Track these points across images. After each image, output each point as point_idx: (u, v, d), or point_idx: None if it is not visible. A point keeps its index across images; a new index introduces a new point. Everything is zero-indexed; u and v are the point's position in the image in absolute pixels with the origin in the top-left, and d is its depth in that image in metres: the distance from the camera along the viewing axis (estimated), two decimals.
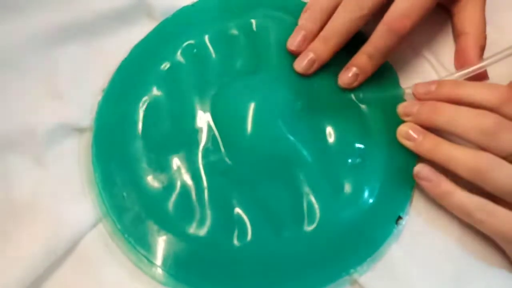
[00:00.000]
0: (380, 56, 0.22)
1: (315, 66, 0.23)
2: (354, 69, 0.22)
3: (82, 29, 0.24)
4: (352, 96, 0.23)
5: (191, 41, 0.24)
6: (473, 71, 0.22)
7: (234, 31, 0.24)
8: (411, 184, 0.21)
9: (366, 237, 0.20)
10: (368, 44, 0.22)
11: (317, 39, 0.22)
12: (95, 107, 0.23)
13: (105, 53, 0.24)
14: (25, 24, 0.24)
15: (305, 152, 0.22)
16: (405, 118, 0.22)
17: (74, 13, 0.24)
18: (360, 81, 0.23)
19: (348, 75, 0.22)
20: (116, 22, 0.25)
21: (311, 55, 0.22)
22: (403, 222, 0.21)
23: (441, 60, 0.24)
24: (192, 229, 0.20)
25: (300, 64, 0.23)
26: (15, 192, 0.21)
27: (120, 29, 0.25)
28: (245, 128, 0.22)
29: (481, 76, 0.23)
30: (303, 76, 0.23)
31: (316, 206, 0.21)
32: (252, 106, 0.22)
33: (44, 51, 0.23)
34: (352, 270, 0.20)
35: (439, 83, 0.21)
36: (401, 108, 0.22)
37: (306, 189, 0.21)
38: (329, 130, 0.22)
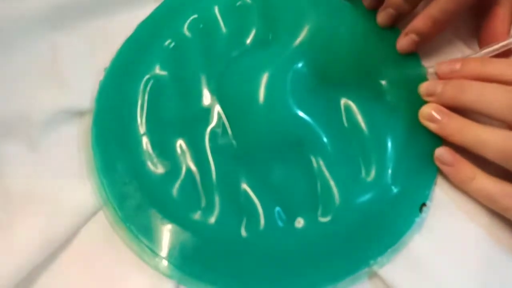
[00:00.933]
0: (445, 21, 0.20)
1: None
2: (413, 36, 0.21)
3: (84, 10, 0.23)
4: (372, 72, 0.21)
5: (197, 15, 0.22)
6: (500, 47, 0.20)
7: (244, 0, 0.23)
8: (435, 168, 0.20)
9: (387, 226, 0.19)
10: (433, 7, 0.20)
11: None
12: (96, 88, 0.22)
13: (109, 34, 0.23)
14: (22, 5, 0.23)
15: (320, 133, 0.20)
16: (428, 98, 0.20)
17: None
18: (420, 47, 0.21)
19: (405, 41, 0.21)
20: (120, 2, 0.23)
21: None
22: (427, 209, 0.19)
23: (463, 38, 0.23)
24: (198, 217, 0.19)
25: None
26: (11, 180, 0.20)
27: (125, 9, 0.23)
28: (253, 108, 0.20)
29: (508, 53, 0.21)
30: (317, 48, 0.21)
31: (333, 191, 0.19)
32: (262, 82, 0.20)
33: (42, 32, 0.22)
34: (372, 262, 0.18)
35: (464, 61, 0.20)
36: (423, 87, 0.20)
37: (322, 173, 0.19)
38: (347, 108, 0.21)
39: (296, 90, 0.20)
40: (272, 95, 0.20)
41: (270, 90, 0.20)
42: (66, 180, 0.20)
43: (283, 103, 0.20)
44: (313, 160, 0.20)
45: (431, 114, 0.20)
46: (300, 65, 0.21)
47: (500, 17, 0.21)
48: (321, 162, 0.20)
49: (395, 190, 0.19)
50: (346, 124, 0.20)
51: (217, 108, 0.21)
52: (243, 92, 0.20)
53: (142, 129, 0.21)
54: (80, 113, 0.22)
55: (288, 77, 0.20)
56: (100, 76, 0.22)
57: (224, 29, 0.22)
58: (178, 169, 0.20)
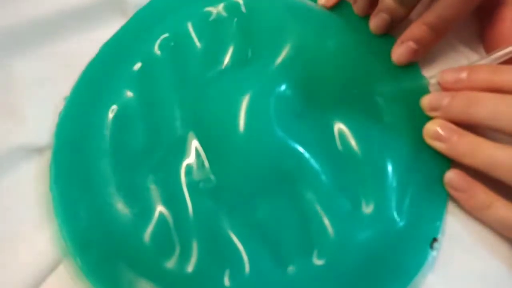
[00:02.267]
0: (444, 28, 0.18)
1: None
2: (410, 44, 0.19)
3: (42, 32, 0.21)
4: (366, 89, 0.19)
5: (169, 33, 0.20)
6: (510, 52, 0.18)
7: (220, 14, 0.20)
8: (445, 195, 0.17)
9: (394, 267, 0.16)
10: (430, 14, 0.18)
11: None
12: (56, 120, 0.19)
13: (70, 58, 0.20)
14: None
15: (312, 161, 0.18)
16: (432, 113, 0.18)
17: (31, 13, 0.21)
18: (419, 57, 0.19)
19: (402, 50, 0.19)
20: (83, 21, 0.21)
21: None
22: (438, 245, 0.17)
23: (467, 42, 0.20)
24: (173, 266, 0.16)
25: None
26: None
27: (89, 29, 0.21)
28: (233, 137, 0.18)
29: None
30: (302, 66, 0.19)
31: (328, 229, 0.17)
32: (241, 108, 0.18)
33: None
34: None
35: (471, 68, 0.18)
36: (426, 101, 0.18)
37: (316, 208, 0.17)
38: (340, 132, 0.18)
39: (281, 116, 0.18)
40: (254, 122, 0.18)
41: (251, 117, 0.18)
42: (21, 228, 0.18)
43: (267, 131, 0.18)
44: (304, 194, 0.17)
45: (437, 132, 0.17)
46: (282, 87, 0.19)
47: (508, 20, 0.19)
48: (314, 196, 0.17)
49: (400, 223, 0.17)
50: (340, 151, 0.18)
51: (193, 138, 0.18)
52: (221, 119, 0.18)
53: (107, 166, 0.18)
54: (39, 150, 0.19)
55: (271, 102, 0.18)
56: (60, 106, 0.20)
57: (198, 47, 0.20)
58: (149, 211, 0.17)
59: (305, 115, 0.18)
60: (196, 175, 0.18)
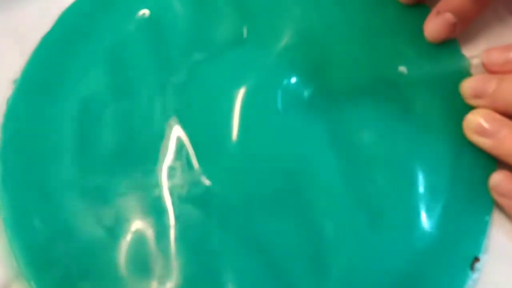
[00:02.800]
0: None
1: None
2: (448, 16, 0.15)
3: None
4: (390, 73, 0.15)
5: (146, 4, 0.17)
6: None
7: None
8: (489, 204, 0.14)
9: None
10: None
11: None
12: (3, 109, 0.16)
13: (20, 31, 0.17)
14: None
15: (322, 163, 0.15)
16: (475, 102, 0.15)
17: None
18: (458, 33, 0.16)
19: (437, 24, 0.16)
20: None
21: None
22: (480, 265, 0.14)
23: None
24: None
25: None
26: None
27: None
28: (228, 133, 0.15)
29: None
30: (314, 46, 0.16)
31: (343, 247, 0.14)
32: (238, 96, 0.15)
33: None
34: None
35: None
36: (467, 86, 0.15)
37: (326, 222, 0.14)
38: (358, 127, 0.15)
39: (287, 106, 0.15)
40: (253, 115, 0.15)
41: (250, 108, 0.15)
42: None
43: (269, 125, 0.15)
44: (314, 203, 0.14)
45: (481, 125, 0.14)
46: (288, 70, 0.15)
47: None
48: (324, 206, 0.14)
49: (432, 240, 0.14)
50: (357, 151, 0.15)
51: (177, 134, 0.15)
52: (213, 111, 0.15)
53: (70, 168, 0.15)
54: None
55: (274, 88, 0.15)
56: (8, 92, 0.16)
57: (182, 21, 0.16)
58: (123, 223, 0.14)
59: (316, 106, 0.15)
60: (181, 178, 0.15)
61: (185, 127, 0.15)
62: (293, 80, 0.15)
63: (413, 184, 0.14)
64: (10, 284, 0.14)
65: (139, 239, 0.14)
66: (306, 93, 0.15)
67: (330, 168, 0.14)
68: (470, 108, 0.15)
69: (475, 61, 0.16)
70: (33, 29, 0.17)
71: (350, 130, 0.15)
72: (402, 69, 0.16)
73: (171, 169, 0.15)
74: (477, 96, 0.15)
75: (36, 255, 0.14)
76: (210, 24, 0.16)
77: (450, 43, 0.16)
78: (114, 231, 0.14)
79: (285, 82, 0.15)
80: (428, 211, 0.14)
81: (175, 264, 0.14)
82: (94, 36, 0.16)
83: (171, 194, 0.14)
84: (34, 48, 0.16)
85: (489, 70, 0.15)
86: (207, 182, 0.15)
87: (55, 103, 0.15)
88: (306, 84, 0.15)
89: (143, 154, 0.15)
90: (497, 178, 0.14)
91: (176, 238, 0.14)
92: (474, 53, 0.16)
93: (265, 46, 0.16)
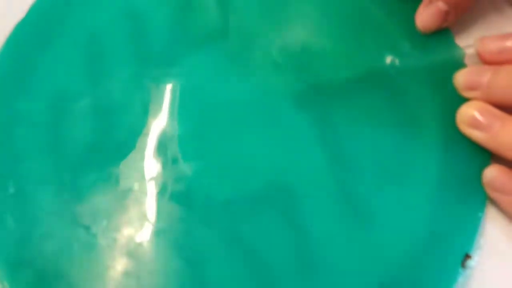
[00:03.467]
0: None
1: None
2: (440, 4, 0.15)
3: None
4: (382, 64, 0.15)
5: None
6: None
7: None
8: (482, 198, 0.14)
9: None
10: None
11: None
12: None
13: None
14: None
15: (309, 160, 0.14)
16: (469, 94, 0.14)
17: None
18: (451, 22, 0.15)
19: (429, 12, 0.15)
20: None
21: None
22: (472, 263, 0.14)
23: None
24: None
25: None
26: None
27: None
28: (212, 128, 0.14)
29: None
30: (301, 37, 0.15)
31: (331, 246, 0.13)
32: (221, 91, 0.15)
33: None
34: None
35: None
36: (461, 77, 0.14)
37: (314, 220, 0.13)
38: (347, 121, 0.14)
39: (277, 103, 0.15)
40: (239, 114, 0.14)
41: (235, 107, 0.14)
42: None
43: (257, 124, 0.14)
44: (302, 205, 0.13)
45: (475, 118, 0.14)
46: (277, 63, 0.15)
47: None
48: (313, 207, 0.13)
49: (423, 236, 0.13)
50: (347, 145, 0.14)
51: (157, 127, 0.14)
52: (193, 111, 0.15)
53: (44, 163, 0.14)
54: None
55: (263, 85, 0.15)
56: None
57: (165, 14, 0.16)
58: (100, 222, 0.13)
59: (307, 102, 0.15)
60: (162, 173, 0.14)
61: (166, 121, 0.15)
62: (279, 74, 0.15)
63: (403, 179, 0.14)
64: None
65: (118, 237, 0.13)
66: (294, 88, 0.15)
67: (318, 165, 0.14)
68: (464, 100, 0.14)
69: (469, 51, 0.15)
70: (5, 18, 0.16)
71: (339, 125, 0.15)
72: (394, 60, 0.15)
73: (151, 164, 0.14)
74: (471, 88, 0.14)
75: (9, 255, 0.13)
76: (193, 17, 0.16)
77: (443, 33, 0.16)
78: (92, 229, 0.13)
79: (271, 76, 0.15)
80: (419, 207, 0.14)
81: (156, 261, 0.13)
82: (70, 26, 0.16)
83: (152, 190, 0.14)
84: (6, 38, 0.16)
85: (484, 59, 0.15)
86: (189, 178, 0.14)
87: (28, 96, 0.15)
88: (294, 78, 0.15)
89: (121, 149, 0.14)
90: (491, 173, 0.14)
91: (157, 235, 0.13)
92: (468, 42, 0.15)
93: (251, 37, 0.15)
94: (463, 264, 0.14)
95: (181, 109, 0.15)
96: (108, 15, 0.16)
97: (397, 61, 0.15)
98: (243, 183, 0.14)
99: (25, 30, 0.16)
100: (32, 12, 0.16)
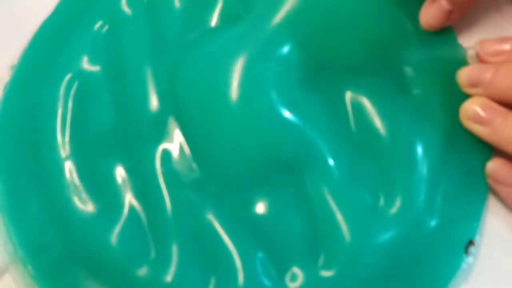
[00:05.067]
0: None
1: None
2: (443, 3, 0.15)
3: None
4: (391, 55, 0.15)
5: None
6: None
7: None
8: (484, 190, 0.15)
9: (420, 276, 0.14)
10: None
11: None
12: (1, 95, 0.16)
13: (17, 18, 0.17)
14: None
15: (321, 144, 0.15)
16: (471, 90, 0.15)
17: None
18: (453, 21, 0.16)
19: (432, 11, 0.15)
20: None
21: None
22: (475, 249, 0.14)
23: None
24: (146, 274, 0.14)
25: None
26: None
27: None
28: (222, 113, 0.15)
29: None
30: (313, 24, 0.16)
31: (342, 231, 0.14)
32: (232, 75, 0.15)
33: None
34: None
35: None
36: (464, 75, 0.15)
37: (326, 203, 0.14)
38: (358, 107, 0.15)
39: (283, 85, 0.15)
40: (247, 94, 0.15)
41: (244, 87, 0.15)
42: None
43: (264, 105, 0.15)
44: (311, 185, 0.14)
45: (477, 113, 0.15)
46: (286, 49, 0.15)
47: None
48: (323, 188, 0.14)
49: (429, 223, 0.14)
50: (357, 131, 0.15)
51: (170, 117, 0.15)
52: (206, 90, 0.15)
53: (64, 151, 0.15)
54: None
55: (270, 67, 0.15)
56: (6, 78, 0.16)
57: (178, 3, 0.17)
58: (117, 206, 0.14)
59: (314, 85, 0.15)
60: (176, 162, 0.15)
61: (178, 109, 0.15)
62: (291, 57, 0.15)
63: (412, 166, 0.14)
64: (7, 267, 0.15)
65: (134, 222, 0.14)
66: (305, 72, 0.15)
67: (329, 148, 0.15)
68: (467, 96, 0.15)
69: (471, 52, 0.16)
70: (32, 15, 0.17)
71: (350, 107, 0.15)
72: (403, 54, 0.16)
73: (165, 153, 0.15)
74: (474, 84, 0.15)
75: (32, 239, 0.14)
76: (205, 4, 0.16)
77: (446, 32, 0.16)
78: (109, 214, 0.14)
79: (283, 60, 0.15)
80: (427, 194, 0.14)
81: (171, 247, 0.14)
82: (88, 21, 0.16)
83: (165, 178, 0.15)
84: (33, 34, 0.17)
85: (483, 60, 0.15)
86: (200, 168, 0.15)
87: (49, 86, 0.16)
88: (306, 63, 0.15)
89: (137, 138, 0.15)
90: (493, 166, 0.15)
91: (172, 220, 0.14)
92: (471, 43, 0.16)
93: (261, 21, 0.16)
94: (466, 250, 0.14)
95: (187, 95, 0.15)
96: (125, 7, 0.16)
97: (407, 58, 0.16)
98: (255, 167, 0.14)
99: (50, 27, 0.17)
100: (58, 10, 0.17)
